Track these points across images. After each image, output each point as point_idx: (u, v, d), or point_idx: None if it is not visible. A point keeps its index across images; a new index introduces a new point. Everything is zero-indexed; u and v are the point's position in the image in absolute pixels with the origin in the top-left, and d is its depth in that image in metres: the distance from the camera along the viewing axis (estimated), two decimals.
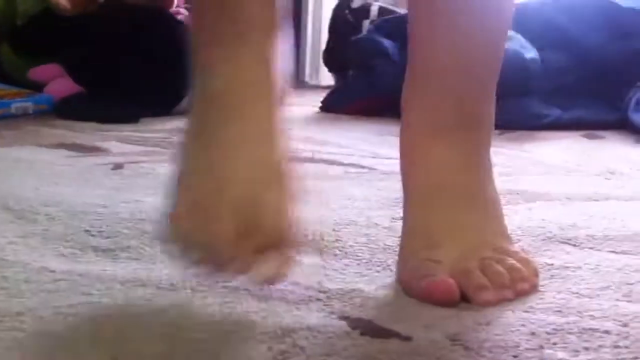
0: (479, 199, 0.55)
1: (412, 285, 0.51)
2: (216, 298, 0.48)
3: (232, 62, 0.48)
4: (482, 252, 0.52)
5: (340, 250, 0.60)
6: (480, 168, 0.57)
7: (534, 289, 0.52)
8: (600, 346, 0.43)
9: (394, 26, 1.86)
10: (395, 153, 1.11)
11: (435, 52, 0.56)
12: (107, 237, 0.61)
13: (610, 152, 1.26)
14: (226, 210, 0.44)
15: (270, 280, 0.46)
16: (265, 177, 0.46)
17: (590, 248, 0.64)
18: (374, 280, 0.54)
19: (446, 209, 0.54)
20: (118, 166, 0.92)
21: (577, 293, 0.52)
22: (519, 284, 0.51)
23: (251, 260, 0.44)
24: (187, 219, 0.45)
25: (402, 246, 0.55)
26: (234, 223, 0.44)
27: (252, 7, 0.50)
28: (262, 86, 0.49)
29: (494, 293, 0.49)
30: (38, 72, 1.50)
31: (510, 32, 1.68)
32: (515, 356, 0.41)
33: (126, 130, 1.25)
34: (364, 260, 0.58)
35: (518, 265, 0.52)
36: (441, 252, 0.52)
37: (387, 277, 0.54)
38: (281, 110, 0.51)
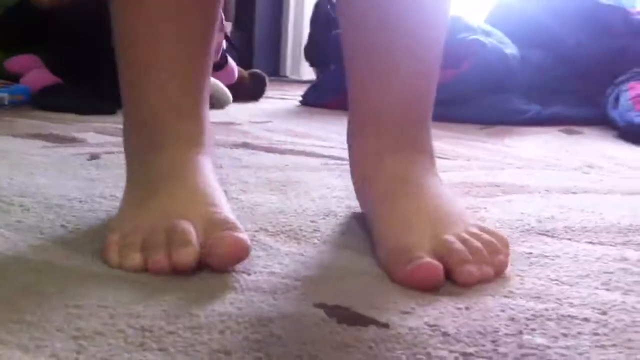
0: (437, 192, 0.58)
1: (397, 271, 0.50)
2: (189, 291, 0.47)
3: (152, 164, 0.58)
4: (456, 228, 0.53)
5: (318, 240, 0.60)
6: (432, 179, 0.60)
7: (507, 259, 0.53)
8: (579, 333, 0.43)
9: None
10: None
11: (373, 92, 0.61)
12: (83, 232, 0.59)
13: (589, 147, 1.27)
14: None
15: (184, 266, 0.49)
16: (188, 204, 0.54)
17: (569, 239, 0.64)
18: (351, 267, 0.53)
19: (411, 200, 0.56)
20: (94, 156, 0.91)
21: (556, 280, 0.52)
22: (496, 257, 0.52)
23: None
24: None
25: (378, 239, 0.56)
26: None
27: (170, 121, 0.59)
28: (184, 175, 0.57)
29: (477, 267, 0.50)
30: (15, 63, 1.48)
31: (489, 28, 1.69)
32: (493, 341, 0.41)
33: (103, 121, 1.24)
34: (342, 248, 0.58)
35: (491, 238, 0.53)
36: (418, 233, 0.52)
37: (366, 264, 0.54)
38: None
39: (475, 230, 0.54)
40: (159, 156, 0.58)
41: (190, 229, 0.50)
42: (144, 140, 0.60)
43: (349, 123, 0.65)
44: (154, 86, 0.60)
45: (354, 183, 0.65)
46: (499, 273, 0.52)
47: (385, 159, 0.60)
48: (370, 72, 0.61)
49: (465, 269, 0.49)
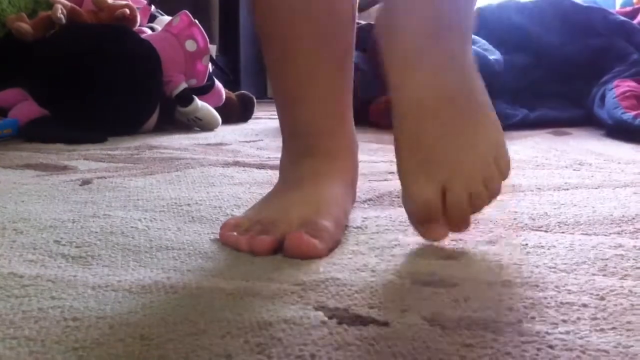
0: (471, 106, 0.57)
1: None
2: (189, 299, 0.47)
3: (293, 170, 0.66)
4: (471, 184, 0.56)
5: None
6: (469, 67, 0.57)
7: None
8: (578, 318, 0.43)
9: (358, 35, 1.88)
10: (364, 157, 1.12)
11: None
12: (77, 247, 0.59)
13: (577, 146, 1.27)
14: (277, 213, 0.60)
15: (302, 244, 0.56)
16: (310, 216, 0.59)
17: (562, 232, 0.64)
18: (346, 268, 0.53)
19: (442, 124, 0.55)
20: (86, 182, 0.91)
21: (553, 268, 0.52)
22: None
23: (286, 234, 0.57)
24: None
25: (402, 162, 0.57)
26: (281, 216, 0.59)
27: (308, 137, 0.66)
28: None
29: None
30: (1, 97, 1.48)
31: (474, 37, 1.70)
32: (493, 331, 0.41)
33: (93, 149, 1.24)
34: (337, 254, 0.58)
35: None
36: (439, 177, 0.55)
37: (359, 263, 0.54)
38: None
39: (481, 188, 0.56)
40: (299, 165, 0.66)
41: (279, 223, 0.57)
42: (292, 149, 0.68)
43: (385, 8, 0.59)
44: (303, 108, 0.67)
45: (390, 68, 0.58)
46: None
47: (430, 46, 0.55)
48: None
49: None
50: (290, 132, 0.68)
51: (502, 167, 0.58)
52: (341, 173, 0.67)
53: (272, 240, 0.56)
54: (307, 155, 0.66)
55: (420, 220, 0.57)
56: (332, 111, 0.67)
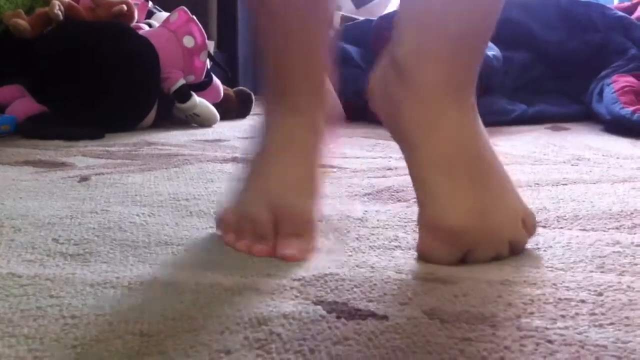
0: (493, 161, 0.55)
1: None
2: (188, 295, 0.47)
3: (283, 128, 0.62)
4: (498, 248, 0.54)
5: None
6: (482, 129, 0.56)
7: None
8: (577, 314, 0.43)
9: (357, 32, 1.88)
10: (363, 153, 1.12)
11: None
12: (76, 244, 0.59)
13: (576, 141, 1.28)
14: (263, 207, 0.58)
15: (291, 258, 0.55)
16: (295, 192, 0.59)
17: (561, 228, 0.64)
18: (346, 264, 0.53)
19: (470, 184, 0.53)
20: (84, 178, 0.91)
21: (551, 267, 0.52)
22: None
23: (277, 243, 0.56)
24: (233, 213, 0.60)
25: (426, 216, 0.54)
26: (268, 215, 0.58)
27: (301, 81, 0.62)
28: (307, 148, 0.62)
29: None
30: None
31: None
32: (492, 325, 0.41)
33: (90, 145, 1.24)
34: (336, 246, 0.58)
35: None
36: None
37: (359, 260, 0.54)
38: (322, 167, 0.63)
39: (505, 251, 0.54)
40: (275, 128, 0.62)
41: (268, 225, 0.57)
42: (271, 107, 0.64)
43: (408, 50, 0.54)
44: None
45: (408, 123, 0.54)
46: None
47: (450, 104, 0.53)
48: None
49: None
50: (270, 90, 0.64)
51: (529, 227, 0.56)
52: (316, 132, 0.63)
53: (268, 251, 0.56)
54: (285, 115, 0.62)
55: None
56: (312, 71, 0.63)
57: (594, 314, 0.43)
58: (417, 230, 0.63)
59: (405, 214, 0.70)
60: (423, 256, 0.54)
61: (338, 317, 0.43)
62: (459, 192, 0.52)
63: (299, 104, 0.62)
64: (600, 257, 0.55)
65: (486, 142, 0.55)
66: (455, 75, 0.53)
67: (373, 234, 0.62)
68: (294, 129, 0.62)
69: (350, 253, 0.57)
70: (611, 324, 0.42)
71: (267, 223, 0.58)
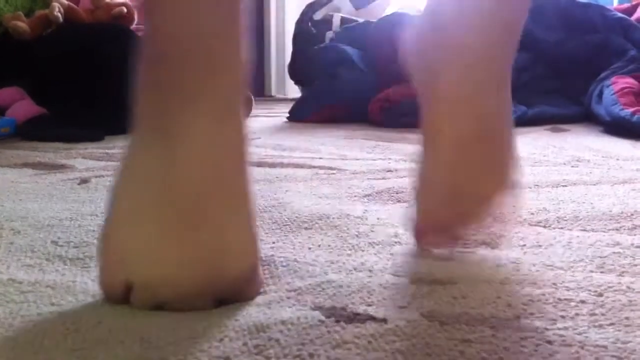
0: (503, 144, 0.56)
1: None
2: None
3: (176, 144, 0.42)
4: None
5: (312, 244, 0.60)
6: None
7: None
8: (576, 314, 0.43)
9: (356, 33, 1.88)
10: (363, 154, 1.12)
11: None
12: (75, 247, 0.59)
13: (575, 143, 1.27)
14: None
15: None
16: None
17: (561, 228, 0.64)
18: (344, 267, 0.53)
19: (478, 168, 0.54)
20: (84, 181, 0.91)
21: (551, 266, 0.52)
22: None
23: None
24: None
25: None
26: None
27: (217, 48, 0.43)
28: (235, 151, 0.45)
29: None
30: None
31: None
32: (492, 327, 0.41)
33: (90, 147, 1.24)
34: (336, 248, 0.58)
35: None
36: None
37: (357, 261, 0.54)
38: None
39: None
40: (186, 129, 0.42)
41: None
42: (162, 88, 0.43)
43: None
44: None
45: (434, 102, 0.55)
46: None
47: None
48: None
49: None
50: (154, 35, 0.43)
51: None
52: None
53: None
54: (179, 74, 0.42)
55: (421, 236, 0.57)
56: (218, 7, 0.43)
57: (594, 314, 0.43)
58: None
59: (405, 213, 0.70)
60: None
61: (337, 322, 0.43)
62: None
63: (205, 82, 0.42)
64: (600, 257, 0.54)
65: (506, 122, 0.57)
66: (482, 121, 0.54)
67: (373, 231, 0.62)
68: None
69: (349, 252, 0.57)
70: (611, 324, 0.42)
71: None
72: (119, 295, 0.44)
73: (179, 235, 0.43)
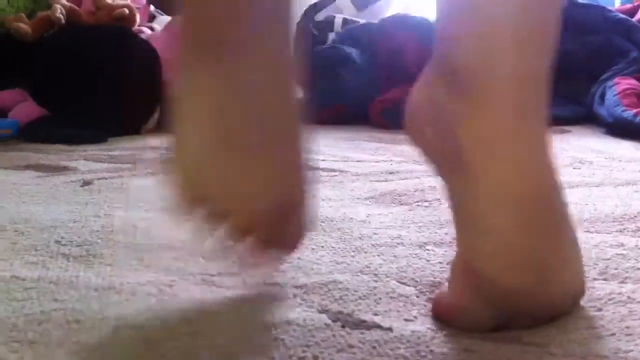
0: (564, 218, 0.45)
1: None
2: (191, 301, 0.47)
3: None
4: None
5: (316, 245, 0.60)
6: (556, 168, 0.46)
7: None
8: (578, 325, 0.43)
9: (358, 34, 1.88)
10: (365, 156, 1.12)
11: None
12: (78, 246, 0.59)
13: (578, 144, 1.27)
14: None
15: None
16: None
17: None
18: (349, 268, 0.53)
19: (544, 236, 0.43)
20: (87, 183, 0.91)
21: None
22: None
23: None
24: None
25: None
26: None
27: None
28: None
29: None
30: (1, 98, 1.48)
31: None
32: (495, 340, 0.41)
33: (93, 149, 1.24)
34: (340, 250, 0.58)
35: None
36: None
37: (361, 264, 0.54)
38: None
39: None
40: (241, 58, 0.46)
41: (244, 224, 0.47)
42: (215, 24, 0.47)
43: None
44: None
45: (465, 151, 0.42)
46: None
47: (523, 129, 0.42)
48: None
49: None
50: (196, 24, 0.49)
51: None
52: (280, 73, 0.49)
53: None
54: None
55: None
56: None
57: (594, 326, 0.43)
58: (419, 230, 0.64)
59: (408, 216, 0.70)
60: (449, 315, 0.43)
61: (343, 326, 0.43)
62: (522, 238, 0.41)
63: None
64: (604, 259, 0.54)
65: (559, 187, 0.45)
66: (526, 88, 0.42)
67: (376, 234, 0.62)
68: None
69: (352, 253, 0.57)
70: (612, 334, 0.42)
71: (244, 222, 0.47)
72: (190, 208, 0.47)
73: (242, 155, 0.46)
